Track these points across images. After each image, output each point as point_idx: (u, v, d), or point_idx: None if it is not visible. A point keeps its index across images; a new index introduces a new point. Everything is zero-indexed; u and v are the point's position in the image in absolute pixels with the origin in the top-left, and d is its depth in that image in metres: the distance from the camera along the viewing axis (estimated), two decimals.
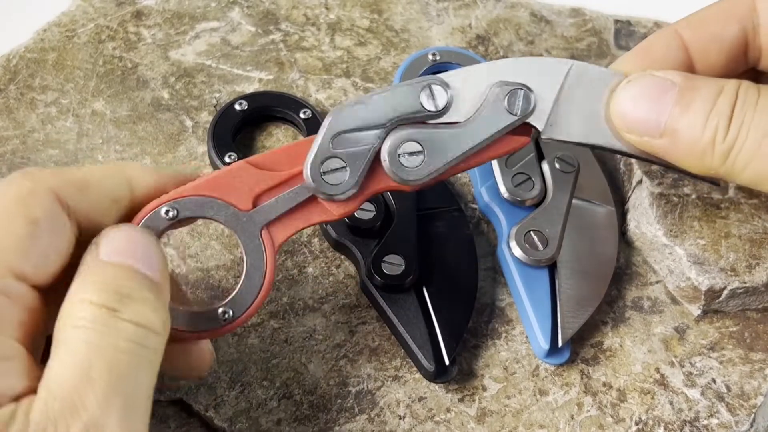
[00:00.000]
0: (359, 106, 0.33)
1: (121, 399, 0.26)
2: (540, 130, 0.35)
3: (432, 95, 0.34)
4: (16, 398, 0.26)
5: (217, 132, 0.45)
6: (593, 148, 0.36)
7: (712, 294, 0.41)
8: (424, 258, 0.41)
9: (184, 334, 0.32)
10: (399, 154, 0.33)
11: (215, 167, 0.44)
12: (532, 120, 0.35)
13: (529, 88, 0.35)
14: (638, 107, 0.35)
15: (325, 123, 0.33)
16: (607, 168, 0.46)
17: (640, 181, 0.44)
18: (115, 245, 0.29)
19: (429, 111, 0.34)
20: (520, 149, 0.36)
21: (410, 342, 0.39)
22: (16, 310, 0.28)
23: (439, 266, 0.41)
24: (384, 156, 0.33)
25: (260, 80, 0.49)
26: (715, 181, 0.40)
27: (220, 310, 0.33)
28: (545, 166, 0.43)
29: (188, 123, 0.47)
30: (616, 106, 0.35)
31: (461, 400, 0.39)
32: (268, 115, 0.47)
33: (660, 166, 0.40)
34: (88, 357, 0.26)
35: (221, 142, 0.44)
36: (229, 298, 0.33)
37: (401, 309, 0.40)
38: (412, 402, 0.39)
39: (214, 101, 0.47)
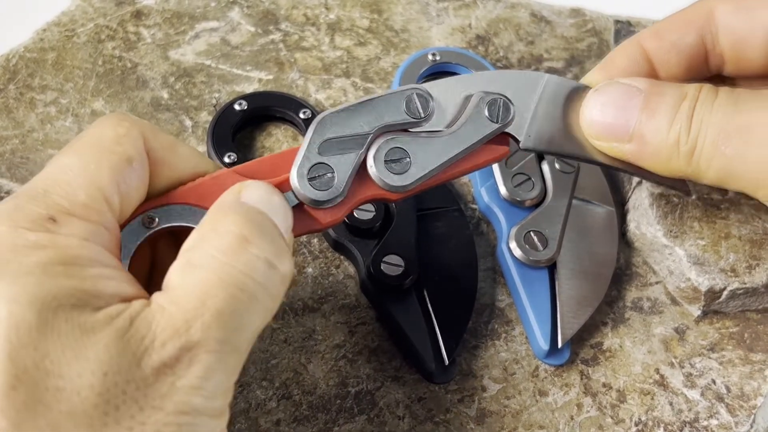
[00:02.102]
0: (345, 114, 0.34)
1: (222, 333, 0.26)
2: (519, 140, 0.36)
3: (415, 103, 0.34)
4: (126, 300, 0.27)
5: (216, 132, 0.45)
6: (570, 158, 0.37)
7: (712, 295, 0.41)
8: (424, 258, 0.41)
9: None
10: (385, 161, 0.34)
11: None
12: (511, 130, 0.36)
13: (508, 99, 0.36)
14: (606, 114, 0.36)
15: (311, 130, 0.33)
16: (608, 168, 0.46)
17: (640, 182, 0.44)
18: (256, 194, 0.31)
19: (412, 119, 0.34)
20: (500, 160, 0.36)
21: (410, 342, 0.39)
22: (112, 240, 0.29)
23: (439, 267, 0.41)
24: (370, 162, 0.34)
25: (260, 80, 0.49)
26: (686, 190, 0.40)
27: None
28: (545, 167, 0.43)
29: (188, 123, 0.46)
30: (584, 115, 0.36)
31: (461, 400, 0.39)
32: (267, 115, 0.47)
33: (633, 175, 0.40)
34: (211, 285, 0.27)
35: (221, 142, 0.44)
36: None
37: (401, 309, 0.40)
38: (412, 402, 0.39)
39: (214, 101, 0.47)
